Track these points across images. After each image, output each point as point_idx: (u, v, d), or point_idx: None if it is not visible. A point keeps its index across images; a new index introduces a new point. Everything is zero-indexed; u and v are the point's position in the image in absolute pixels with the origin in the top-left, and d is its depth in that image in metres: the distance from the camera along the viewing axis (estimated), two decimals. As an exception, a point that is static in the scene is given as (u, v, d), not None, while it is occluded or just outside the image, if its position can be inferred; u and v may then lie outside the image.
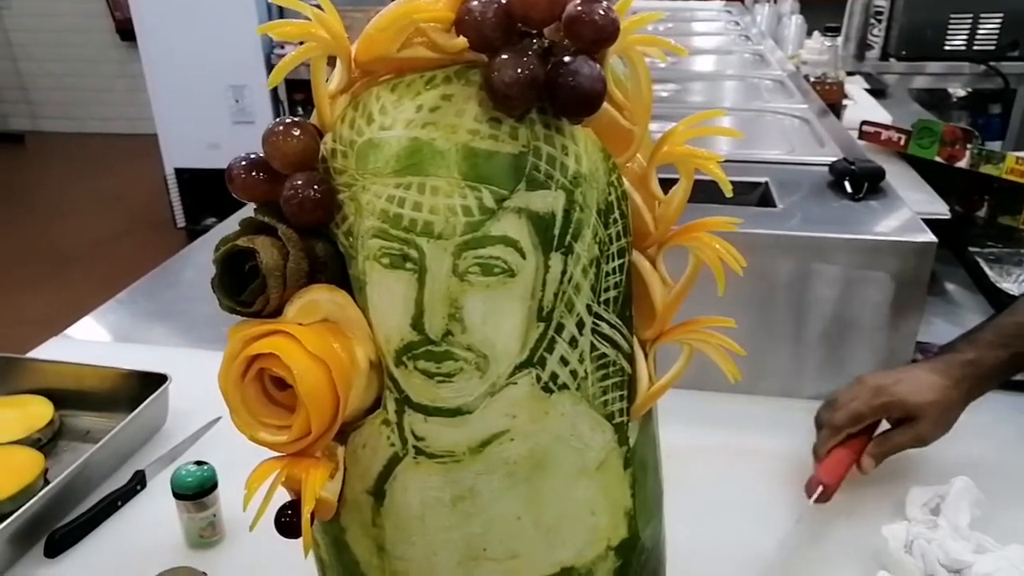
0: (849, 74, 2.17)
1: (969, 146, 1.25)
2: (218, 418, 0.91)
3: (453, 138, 0.41)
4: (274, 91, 3.26)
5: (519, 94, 0.40)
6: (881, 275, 0.89)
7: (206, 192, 3.29)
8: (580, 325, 0.44)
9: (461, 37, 0.40)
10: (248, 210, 0.45)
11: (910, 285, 0.89)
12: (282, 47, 3.12)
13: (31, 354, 1.05)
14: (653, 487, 0.52)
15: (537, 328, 0.43)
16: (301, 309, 0.42)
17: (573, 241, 0.43)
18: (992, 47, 2.33)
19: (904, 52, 2.38)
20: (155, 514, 0.78)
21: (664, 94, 1.50)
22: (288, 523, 0.43)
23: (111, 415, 0.89)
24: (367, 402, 0.45)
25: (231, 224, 0.84)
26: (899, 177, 1.22)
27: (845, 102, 1.79)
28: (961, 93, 2.52)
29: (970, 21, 2.32)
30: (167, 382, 0.88)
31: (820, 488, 0.72)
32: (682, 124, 0.46)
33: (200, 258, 1.37)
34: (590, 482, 0.47)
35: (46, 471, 0.82)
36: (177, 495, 0.73)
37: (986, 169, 1.22)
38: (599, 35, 0.41)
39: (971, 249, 1.22)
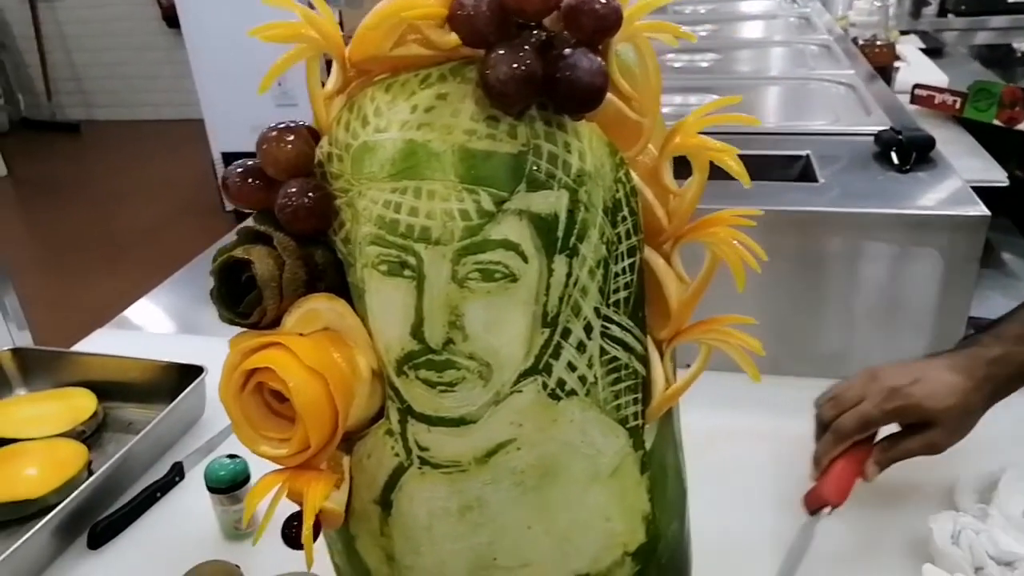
0: (903, 33, 2.07)
1: (1030, 108, 1.18)
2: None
3: (449, 139, 0.39)
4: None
5: (515, 91, 0.38)
6: (929, 251, 0.84)
7: (252, 175, 3.35)
8: (588, 329, 0.42)
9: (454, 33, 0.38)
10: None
11: (961, 260, 0.84)
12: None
13: (78, 345, 1.08)
14: (674, 487, 0.51)
15: (542, 334, 0.41)
16: (300, 319, 0.41)
17: (578, 242, 0.41)
18: (1062, -4, 2.20)
19: (964, 6, 2.26)
20: (193, 505, 0.79)
21: (704, 64, 1.45)
22: (294, 535, 0.42)
23: (153, 406, 0.90)
24: (371, 411, 0.44)
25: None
26: (953, 143, 1.16)
27: (897, 64, 1.71)
28: (1027, 47, 2.39)
29: (1038, -31, 2.19)
30: (203, 374, 0.89)
31: (828, 509, 0.66)
32: (694, 114, 0.43)
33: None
34: (603, 488, 0.45)
35: (90, 463, 0.84)
36: (211, 488, 0.74)
37: (1049, 132, 1.16)
38: (600, 25, 0.39)
39: (1031, 217, 1.17)
